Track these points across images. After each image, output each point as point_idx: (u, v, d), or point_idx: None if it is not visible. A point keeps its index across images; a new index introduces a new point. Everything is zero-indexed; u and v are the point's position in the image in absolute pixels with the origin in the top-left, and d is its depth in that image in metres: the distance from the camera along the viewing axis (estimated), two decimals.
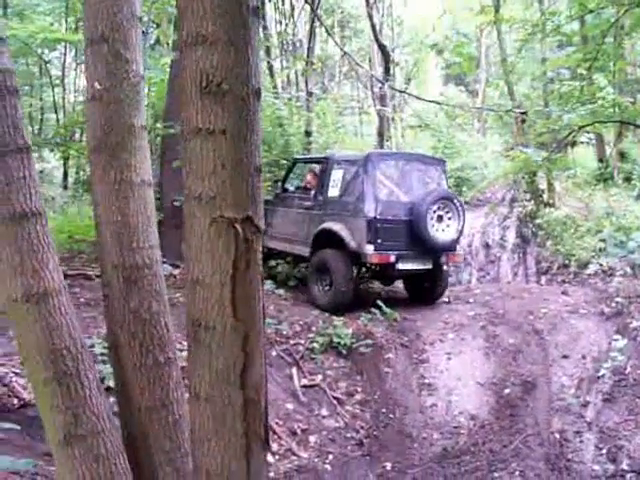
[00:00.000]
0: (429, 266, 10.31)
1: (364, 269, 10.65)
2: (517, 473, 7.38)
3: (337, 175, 10.33)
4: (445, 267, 10.69)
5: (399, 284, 11.77)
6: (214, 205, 2.74)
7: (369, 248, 9.64)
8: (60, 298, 3.27)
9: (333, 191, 10.33)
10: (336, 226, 10.01)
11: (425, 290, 11.07)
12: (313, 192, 10.90)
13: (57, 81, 15.80)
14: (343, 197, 10.15)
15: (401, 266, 9.96)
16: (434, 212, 9.91)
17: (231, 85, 2.68)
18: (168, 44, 13.47)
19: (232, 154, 2.71)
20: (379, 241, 9.68)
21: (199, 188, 2.75)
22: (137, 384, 3.75)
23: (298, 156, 12.65)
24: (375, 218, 9.66)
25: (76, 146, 12.43)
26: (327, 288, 10.08)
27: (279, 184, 11.98)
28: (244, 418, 2.96)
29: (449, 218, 10.10)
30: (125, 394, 3.82)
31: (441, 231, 10.03)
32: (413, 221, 9.87)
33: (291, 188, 12.04)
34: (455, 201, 10.22)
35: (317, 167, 11.41)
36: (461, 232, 10.42)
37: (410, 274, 10.71)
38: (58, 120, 14.29)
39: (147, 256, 3.72)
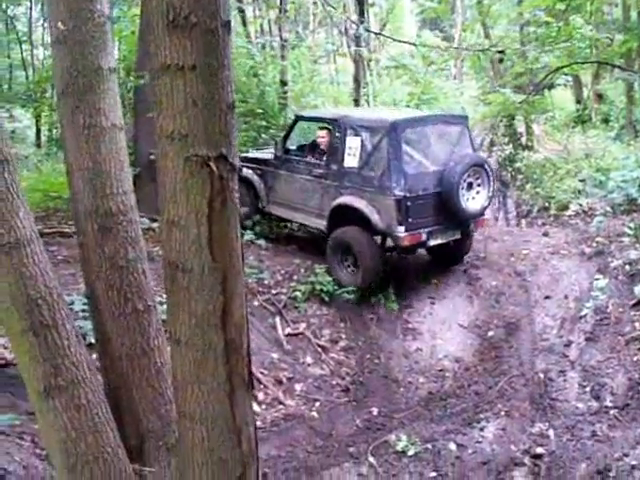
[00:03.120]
0: (458, 236, 9.58)
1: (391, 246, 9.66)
2: (503, 413, 7.41)
3: (353, 143, 9.23)
4: (473, 233, 10.02)
5: None
6: (187, 143, 2.65)
7: (400, 230, 8.79)
8: (33, 247, 3.17)
9: (350, 160, 9.27)
10: (358, 202, 9.10)
11: (449, 255, 10.19)
12: (325, 159, 9.81)
13: (24, 38, 15.44)
14: (363, 169, 9.12)
15: (432, 242, 9.20)
16: (464, 181, 9.08)
17: (199, 17, 2.57)
18: None
19: (203, 90, 2.62)
20: (410, 220, 8.80)
21: (170, 126, 2.66)
22: (117, 333, 3.70)
23: (301, 112, 11.39)
24: (405, 197, 8.71)
25: (48, 102, 12.22)
26: (353, 269, 9.31)
27: (278, 143, 10.74)
28: (226, 361, 2.91)
29: (479, 184, 9.29)
30: (105, 343, 3.77)
31: (471, 199, 9.23)
32: (443, 192, 9.01)
33: (293, 147, 10.96)
34: (486, 166, 9.40)
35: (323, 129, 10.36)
36: (491, 198, 9.63)
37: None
38: (27, 77, 13.99)
39: (121, 202, 3.64)
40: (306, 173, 9.98)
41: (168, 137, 2.68)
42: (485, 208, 9.58)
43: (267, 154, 11.12)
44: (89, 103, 3.53)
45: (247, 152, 11.82)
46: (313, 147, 10.48)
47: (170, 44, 2.59)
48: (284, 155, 10.52)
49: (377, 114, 9.70)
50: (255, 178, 10.79)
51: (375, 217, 8.88)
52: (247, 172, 10.76)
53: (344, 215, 9.30)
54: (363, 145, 9.10)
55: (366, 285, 9.13)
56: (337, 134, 9.52)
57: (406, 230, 8.76)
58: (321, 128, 10.32)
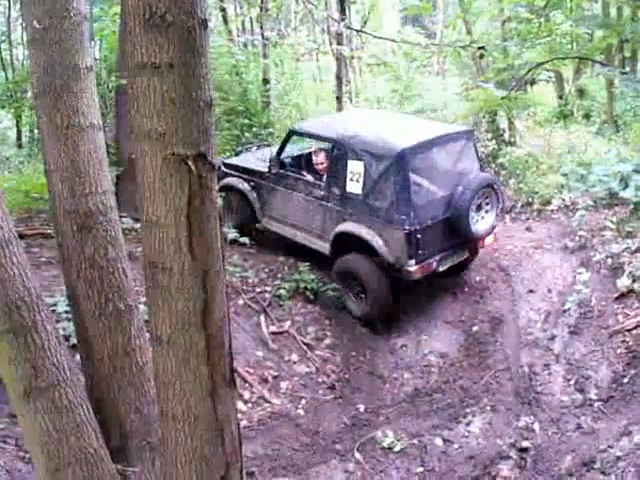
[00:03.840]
0: (466, 256, 9.30)
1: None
2: (488, 408, 7.45)
3: (356, 168, 8.63)
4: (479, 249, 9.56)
5: None
6: (164, 142, 2.65)
7: (411, 263, 8.34)
8: (11, 248, 3.15)
9: (353, 186, 8.69)
10: (365, 233, 8.59)
11: (454, 270, 9.58)
12: (324, 180, 9.18)
13: (3, 37, 15.31)
14: (368, 198, 8.56)
15: (441, 268, 8.79)
16: (474, 204, 8.69)
17: (176, 16, 2.57)
18: None
19: (180, 89, 2.62)
20: (420, 252, 8.36)
21: (148, 125, 2.66)
22: (98, 333, 3.69)
23: (296, 127, 10.12)
24: (415, 230, 8.25)
25: (28, 102, 12.13)
26: (361, 298, 8.88)
27: (272, 156, 9.85)
28: (208, 359, 2.91)
29: (487, 204, 8.93)
30: (87, 344, 3.76)
31: (480, 220, 8.88)
32: (452, 217, 8.62)
33: (287, 160, 10.10)
34: (495, 186, 8.99)
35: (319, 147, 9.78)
36: (499, 215, 9.34)
37: None
38: (7, 78, 13.86)
39: (100, 202, 3.63)
40: (305, 193, 9.40)
41: (145, 136, 2.68)
42: (494, 227, 9.28)
43: (256, 161, 10.38)
44: (67, 103, 3.51)
45: (234, 155, 11.40)
46: (309, 161, 9.98)
47: (147, 43, 2.59)
48: (280, 170, 9.78)
49: (381, 136, 8.75)
50: (248, 190, 10.13)
51: (384, 250, 8.44)
52: (239, 183, 10.22)
53: (348, 241, 8.86)
54: (367, 171, 8.55)
55: (375, 315, 8.84)
56: (336, 155, 8.96)
57: (417, 263, 8.37)
58: (317, 150, 9.81)
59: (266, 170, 9.88)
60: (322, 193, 9.12)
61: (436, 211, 8.58)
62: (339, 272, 8.99)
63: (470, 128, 10.03)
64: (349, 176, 8.73)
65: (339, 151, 8.89)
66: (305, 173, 9.61)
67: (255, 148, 11.56)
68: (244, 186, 10.15)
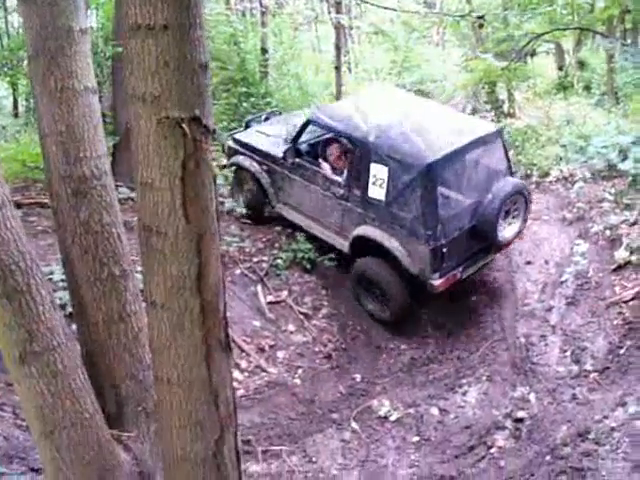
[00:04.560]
0: (489, 259, 8.95)
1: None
2: (484, 378, 7.49)
3: (380, 172, 8.09)
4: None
5: None
6: (159, 105, 2.62)
7: (435, 276, 7.96)
8: (4, 211, 3.11)
9: (375, 191, 8.17)
10: (388, 241, 8.14)
11: None
12: (344, 178, 8.59)
13: None
14: (393, 206, 8.05)
15: (465, 275, 8.38)
16: (502, 211, 8.23)
17: None
18: None
19: (175, 50, 2.58)
20: (444, 265, 7.97)
21: (142, 88, 2.63)
22: (93, 298, 3.68)
23: (314, 116, 9.12)
24: (441, 244, 7.83)
25: (24, 71, 12.01)
26: (382, 301, 8.52)
27: (287, 139, 9.34)
28: (203, 323, 2.90)
29: (516, 209, 8.48)
30: (81, 309, 3.75)
31: (508, 226, 8.44)
32: (479, 225, 8.16)
33: (304, 147, 9.46)
34: (524, 192, 8.49)
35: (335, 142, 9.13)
36: (526, 220, 8.83)
37: None
38: (2, 46, 13.72)
39: (95, 166, 3.60)
40: (323, 188, 8.86)
41: (140, 99, 2.65)
42: (521, 232, 8.88)
43: (268, 141, 9.76)
44: (61, 65, 3.47)
45: (244, 126, 10.70)
46: (326, 148, 9.24)
47: (140, 3, 2.55)
48: (296, 159, 9.15)
49: (408, 140, 8.10)
50: (260, 173, 9.58)
51: (407, 261, 8.03)
52: (251, 165, 9.65)
53: (368, 243, 8.44)
54: (391, 178, 8.02)
55: (397, 320, 8.54)
56: (358, 155, 8.37)
57: (441, 276, 7.99)
58: (334, 145, 9.15)
59: (280, 156, 9.29)
60: (341, 192, 8.62)
61: (463, 221, 8.13)
62: (358, 275, 8.65)
63: (498, 127, 9.25)
64: (372, 179, 8.21)
65: (362, 151, 8.31)
66: (322, 162, 9.04)
67: (264, 117, 11.00)
68: (256, 168, 9.61)
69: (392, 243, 8.12)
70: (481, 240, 8.31)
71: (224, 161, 10.45)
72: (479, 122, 9.49)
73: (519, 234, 8.86)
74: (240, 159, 9.80)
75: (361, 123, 8.56)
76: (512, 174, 8.83)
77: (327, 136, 9.26)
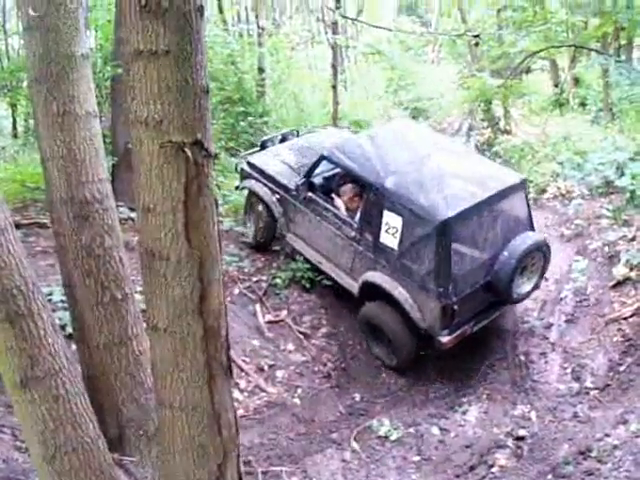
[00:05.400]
0: (502, 311, 8.44)
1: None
2: (484, 397, 7.47)
3: (394, 221, 7.77)
4: None
5: None
6: (161, 129, 2.64)
7: (444, 333, 7.61)
8: (7, 236, 3.12)
9: (388, 239, 7.85)
10: (398, 292, 7.78)
11: None
12: (357, 221, 8.24)
13: None
14: (405, 257, 7.72)
15: (475, 329, 7.95)
16: (519, 267, 7.83)
17: (172, 2, 2.55)
18: None
19: (177, 75, 2.61)
20: (455, 322, 7.63)
21: (144, 112, 2.65)
22: (95, 322, 3.68)
23: (328, 153, 8.69)
24: (452, 302, 7.47)
25: (24, 92, 12.05)
26: (388, 348, 8.22)
27: (302, 184, 8.88)
28: (205, 347, 2.90)
29: (533, 265, 8.08)
30: (83, 332, 3.75)
31: (524, 282, 8.06)
32: (493, 281, 7.78)
33: (318, 181, 9.13)
34: (544, 249, 8.09)
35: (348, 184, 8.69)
36: (544, 275, 8.43)
37: None
38: (2, 67, 13.78)
39: (97, 190, 3.61)
40: (335, 227, 8.51)
41: (142, 123, 2.66)
42: (537, 287, 8.40)
43: (282, 168, 9.42)
44: (63, 90, 3.49)
45: (259, 146, 10.35)
46: (340, 185, 8.84)
47: (143, 29, 2.57)
48: (309, 194, 8.82)
49: (424, 191, 7.74)
50: (273, 202, 9.26)
51: (416, 314, 7.68)
52: (264, 194, 9.31)
53: (377, 289, 8.06)
54: (405, 229, 7.66)
55: (402, 367, 8.23)
56: (372, 199, 8.00)
57: (450, 333, 7.65)
58: (348, 186, 8.68)
59: (294, 187, 8.97)
60: (353, 234, 8.26)
61: (477, 277, 7.76)
62: (365, 320, 8.35)
63: (523, 177, 8.64)
64: (384, 227, 7.88)
65: (376, 197, 7.94)
66: (336, 199, 8.72)
67: (280, 138, 10.55)
68: (269, 197, 9.28)
69: (402, 294, 7.77)
70: (495, 295, 7.94)
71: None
72: (502, 171, 8.88)
73: (535, 289, 8.40)
74: (253, 184, 9.49)
75: (377, 165, 8.20)
76: (532, 228, 8.39)
77: (342, 173, 8.86)
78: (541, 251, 8.02)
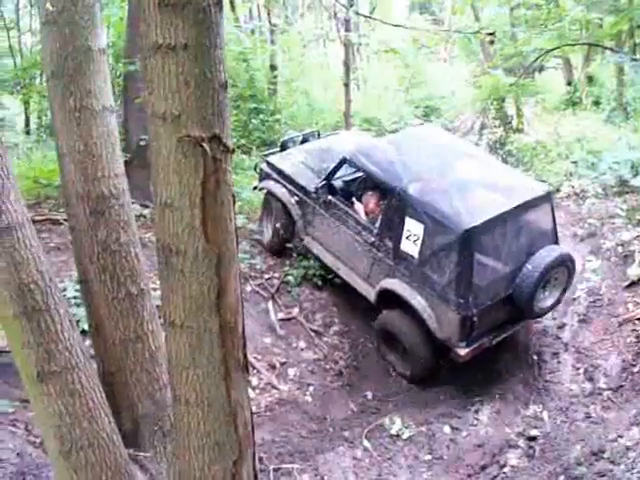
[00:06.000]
0: (522, 324, 8.20)
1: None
2: (497, 397, 7.45)
3: (415, 228, 7.58)
4: None
5: None
6: (179, 124, 2.63)
7: (462, 345, 7.46)
8: (24, 231, 3.13)
9: (409, 246, 7.68)
10: (416, 301, 7.63)
11: None
12: (377, 226, 8.05)
13: (12, 24, 15.26)
14: (425, 266, 7.57)
15: (494, 341, 7.77)
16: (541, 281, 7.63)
17: None
18: None
19: (195, 70, 2.59)
20: (473, 334, 7.47)
21: (162, 107, 2.63)
22: (110, 318, 3.68)
23: (350, 155, 8.48)
24: (472, 314, 7.31)
25: (37, 89, 12.11)
26: (403, 357, 8.07)
27: (322, 187, 8.73)
28: (222, 344, 2.89)
29: (556, 279, 7.86)
30: (99, 329, 3.75)
31: (547, 295, 7.85)
32: (515, 295, 7.61)
33: (339, 183, 9.00)
34: (569, 264, 7.86)
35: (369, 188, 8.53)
36: (567, 290, 8.15)
37: None
38: (15, 65, 13.84)
39: (113, 185, 3.61)
40: (354, 231, 8.35)
41: (160, 118, 2.65)
42: (559, 302, 8.17)
43: (303, 170, 9.27)
44: (79, 85, 3.49)
45: (280, 147, 10.11)
46: (361, 190, 8.74)
47: (161, 23, 2.56)
48: (329, 196, 8.67)
49: (448, 199, 7.57)
50: (292, 204, 9.12)
51: (434, 325, 7.52)
52: (282, 195, 9.17)
53: (395, 297, 7.93)
54: (426, 237, 7.52)
55: (417, 378, 8.06)
56: (394, 204, 7.85)
57: (468, 345, 7.49)
58: (370, 192, 8.48)
59: (313, 190, 8.84)
60: (373, 239, 8.11)
61: (498, 289, 7.59)
62: (382, 329, 8.23)
63: (549, 189, 8.56)
64: (405, 233, 7.71)
65: (398, 203, 7.79)
66: (356, 203, 8.57)
67: (301, 139, 10.36)
68: (287, 198, 9.15)
69: (420, 303, 7.63)
70: (516, 308, 7.75)
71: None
72: (528, 182, 8.72)
73: (557, 304, 8.19)
74: (271, 184, 9.37)
75: (400, 171, 8.03)
76: (557, 241, 8.21)
77: (364, 177, 8.73)
78: (565, 265, 7.84)
